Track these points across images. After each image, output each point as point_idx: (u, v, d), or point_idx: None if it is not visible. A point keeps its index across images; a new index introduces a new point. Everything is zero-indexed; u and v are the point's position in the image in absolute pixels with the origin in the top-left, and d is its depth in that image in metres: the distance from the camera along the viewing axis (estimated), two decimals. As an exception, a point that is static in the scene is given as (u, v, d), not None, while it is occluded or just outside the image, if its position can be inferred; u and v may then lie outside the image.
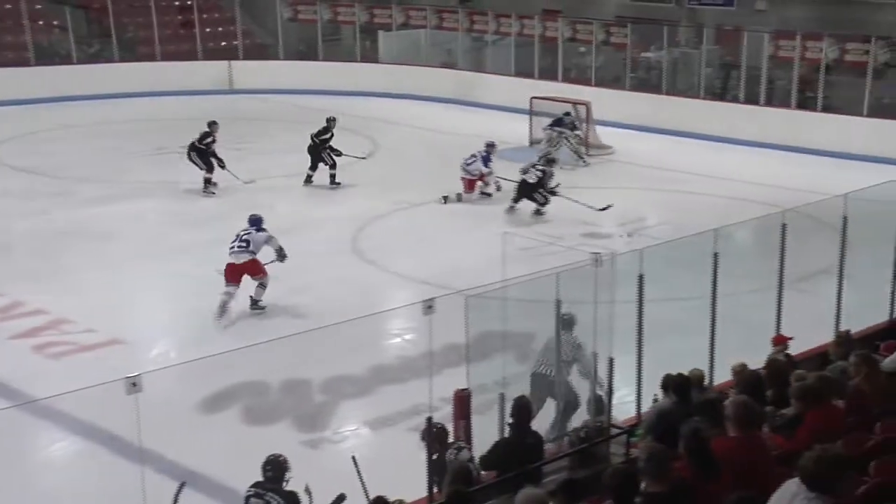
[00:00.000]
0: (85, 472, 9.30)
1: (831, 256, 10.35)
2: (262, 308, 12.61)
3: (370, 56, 28.65)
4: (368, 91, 26.73)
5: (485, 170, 17.72)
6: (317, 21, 28.37)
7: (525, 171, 16.84)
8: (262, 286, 12.63)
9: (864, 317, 10.04)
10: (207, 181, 18.08)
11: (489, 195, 17.78)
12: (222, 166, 18.11)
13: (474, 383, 7.50)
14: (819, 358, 8.96)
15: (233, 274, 12.48)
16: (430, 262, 14.31)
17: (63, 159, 20.32)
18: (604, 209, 16.10)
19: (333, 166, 18.56)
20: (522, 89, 23.29)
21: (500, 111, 24.38)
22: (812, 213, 12.15)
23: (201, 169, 18.03)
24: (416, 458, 7.14)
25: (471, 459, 7.08)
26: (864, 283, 10.88)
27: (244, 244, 12.66)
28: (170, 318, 12.91)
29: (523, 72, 25.68)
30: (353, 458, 7.02)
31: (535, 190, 16.66)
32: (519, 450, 6.94)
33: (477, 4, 28.61)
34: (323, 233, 15.78)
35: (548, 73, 25.42)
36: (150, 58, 27.40)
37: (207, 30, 28.75)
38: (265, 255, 12.81)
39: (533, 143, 21.47)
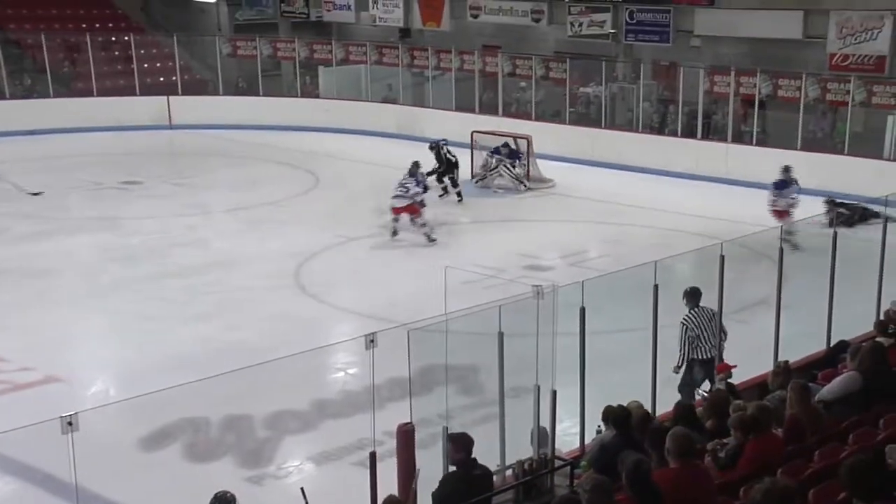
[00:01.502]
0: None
1: (769, 287, 10.50)
2: (434, 239, 16.58)
3: (310, 91, 28.67)
4: (309, 126, 26.70)
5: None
6: (256, 56, 28.34)
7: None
8: (424, 224, 16.55)
9: (801, 346, 10.20)
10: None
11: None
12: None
13: (418, 417, 7.46)
14: (758, 388, 9.06)
15: (396, 212, 16.67)
16: (372, 296, 14.28)
17: (-4, 195, 20.00)
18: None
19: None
20: (464, 124, 23.43)
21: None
22: (749, 245, 12.31)
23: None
24: (361, 493, 7.08)
25: None
26: (801, 313, 11.07)
27: (404, 190, 16.59)
28: (108, 354, 12.69)
29: (464, 106, 25.85)
30: (302, 489, 6.95)
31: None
32: (466, 483, 6.88)
33: (417, 40, 28.78)
34: (264, 267, 15.67)
35: (488, 108, 25.62)
36: (87, 93, 27.09)
37: (145, 65, 28.55)
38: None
39: (475, 176, 21.58)
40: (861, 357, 8.16)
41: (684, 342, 10.06)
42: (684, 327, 10.07)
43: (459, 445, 6.88)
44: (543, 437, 7.62)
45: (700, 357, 10.06)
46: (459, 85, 26.25)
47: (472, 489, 6.77)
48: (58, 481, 8.02)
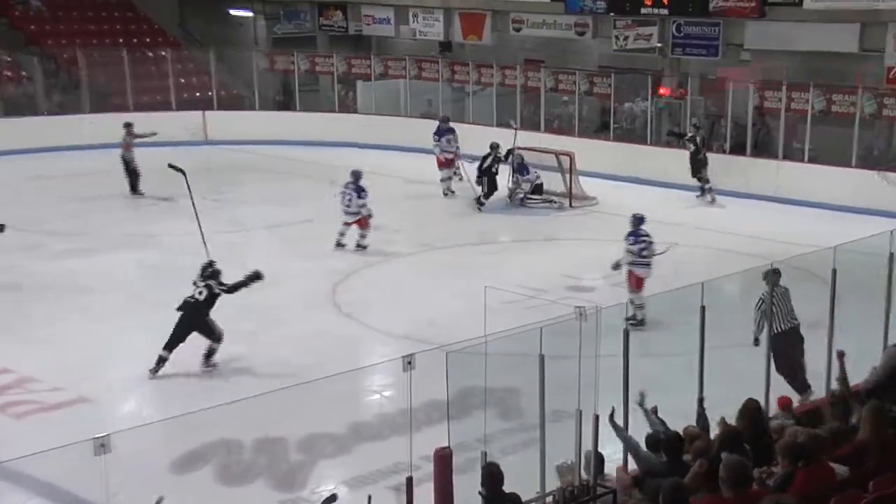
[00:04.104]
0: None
1: (821, 309, 10.20)
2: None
3: (349, 106, 28.59)
4: (347, 141, 26.54)
5: None
6: (294, 71, 28.30)
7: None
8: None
9: (856, 370, 9.85)
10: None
11: None
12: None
13: (455, 441, 7.29)
14: (809, 414, 8.78)
15: None
16: (410, 316, 14.09)
17: (34, 212, 19.95)
18: None
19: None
20: (505, 140, 23.16)
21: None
22: (801, 266, 11.96)
23: None
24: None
25: None
26: (855, 336, 10.71)
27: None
28: (141, 374, 12.48)
29: (505, 122, 25.56)
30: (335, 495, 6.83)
31: None
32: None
33: (458, 54, 28.61)
34: (300, 286, 15.52)
35: (530, 124, 25.25)
36: (123, 108, 27.09)
37: (181, 80, 28.57)
38: None
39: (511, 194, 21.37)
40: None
41: (759, 317, 10.39)
42: (760, 301, 10.39)
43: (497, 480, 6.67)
44: (586, 463, 7.43)
45: (774, 330, 10.20)
46: (500, 100, 25.99)
47: None
48: (88, 504, 7.93)
